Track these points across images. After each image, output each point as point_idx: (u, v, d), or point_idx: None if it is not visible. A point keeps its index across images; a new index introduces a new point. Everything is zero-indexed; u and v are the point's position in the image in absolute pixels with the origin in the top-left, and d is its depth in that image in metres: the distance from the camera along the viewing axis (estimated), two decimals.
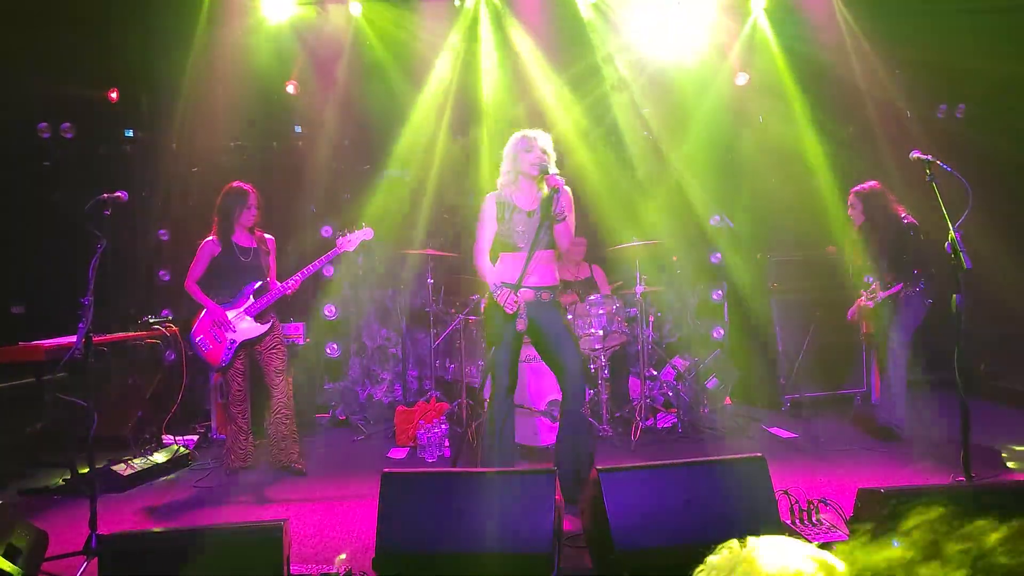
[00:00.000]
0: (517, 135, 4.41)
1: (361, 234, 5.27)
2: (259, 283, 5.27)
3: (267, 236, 5.46)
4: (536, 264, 4.23)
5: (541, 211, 4.28)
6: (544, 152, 4.29)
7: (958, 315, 4.11)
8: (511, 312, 4.15)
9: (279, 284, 5.24)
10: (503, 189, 4.41)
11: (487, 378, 4.35)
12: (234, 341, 5.19)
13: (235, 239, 5.27)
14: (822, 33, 7.27)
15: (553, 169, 4.20)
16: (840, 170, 7.86)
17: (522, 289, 4.19)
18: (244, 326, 5.21)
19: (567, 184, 4.26)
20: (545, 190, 4.26)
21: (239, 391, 5.34)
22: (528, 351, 5.19)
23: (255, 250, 5.33)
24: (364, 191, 7.70)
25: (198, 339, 5.21)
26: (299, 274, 5.22)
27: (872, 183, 5.73)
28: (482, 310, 4.55)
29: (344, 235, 5.25)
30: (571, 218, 4.32)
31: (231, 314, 5.19)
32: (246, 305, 5.21)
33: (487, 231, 4.40)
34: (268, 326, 5.26)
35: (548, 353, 4.43)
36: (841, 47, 7.27)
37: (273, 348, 5.31)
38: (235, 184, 5.31)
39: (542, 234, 4.23)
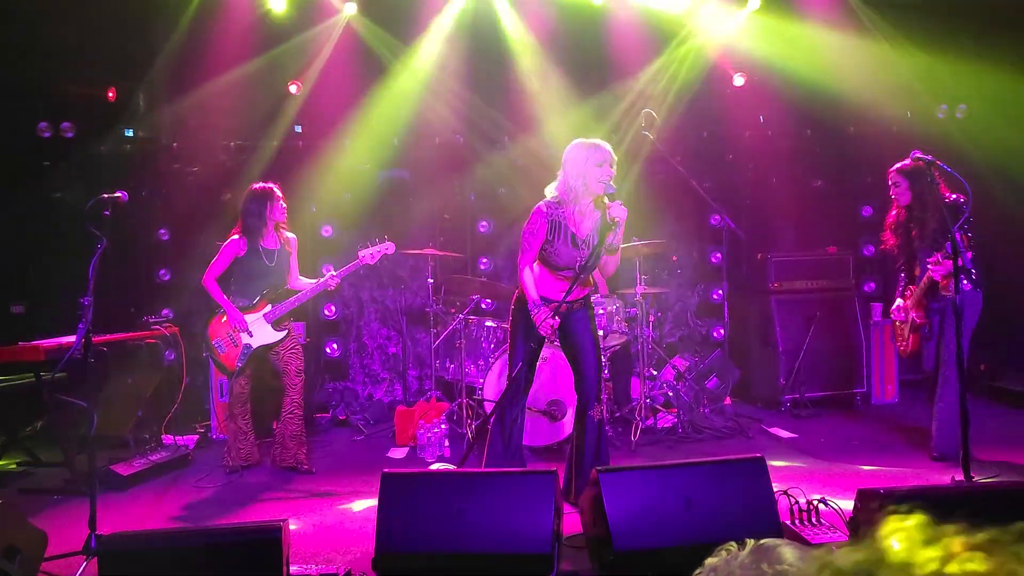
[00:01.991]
0: (587, 144, 4.05)
1: (383, 247, 5.25)
2: (279, 288, 5.26)
3: (290, 235, 5.41)
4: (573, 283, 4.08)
5: (597, 239, 4.04)
6: (603, 168, 3.99)
7: (958, 315, 4.12)
8: (544, 335, 4.06)
9: (295, 294, 5.23)
10: (560, 205, 4.11)
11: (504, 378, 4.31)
12: (249, 346, 5.17)
13: (263, 242, 5.22)
14: (821, 32, 7.27)
15: (621, 208, 3.95)
16: (840, 170, 7.88)
17: (554, 302, 4.09)
18: (261, 332, 5.18)
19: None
20: (607, 217, 3.97)
21: (241, 392, 5.34)
22: None
23: (279, 251, 5.28)
24: (365, 191, 7.71)
25: (215, 341, 5.19)
26: (317, 284, 5.24)
27: (915, 153, 4.89)
28: (511, 308, 4.35)
29: (366, 247, 5.23)
30: (620, 244, 4.17)
31: (250, 319, 5.16)
32: (264, 311, 5.19)
33: (536, 245, 4.14)
34: (284, 334, 5.25)
35: (570, 357, 4.40)
36: (841, 47, 7.27)
37: (292, 349, 5.31)
38: (257, 185, 5.27)
39: (591, 261, 4.06)
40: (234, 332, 5.16)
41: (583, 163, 4.00)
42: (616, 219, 3.92)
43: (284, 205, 5.29)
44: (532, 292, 4.13)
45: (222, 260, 5.18)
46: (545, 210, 4.12)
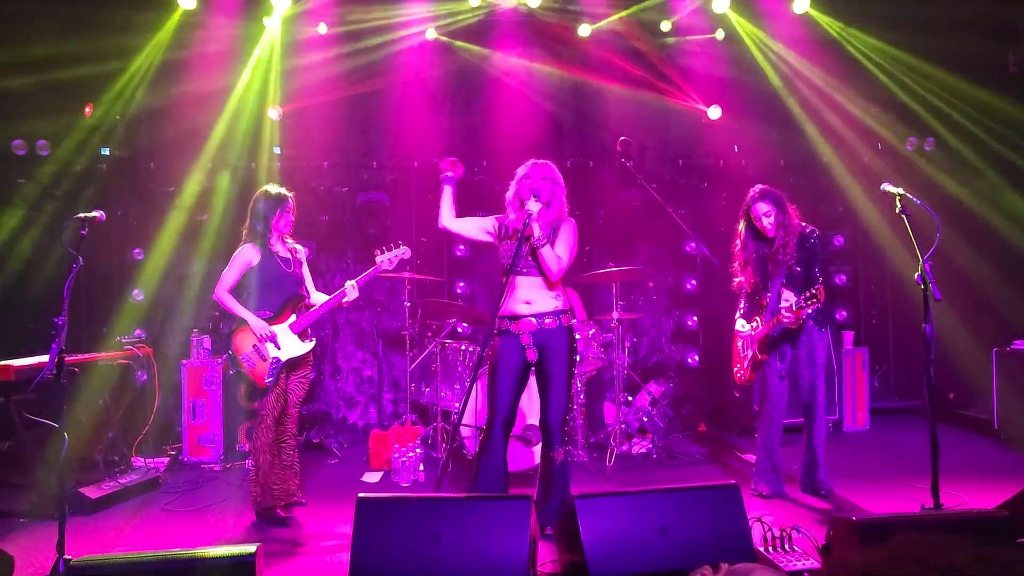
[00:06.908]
0: (527, 163, 4.39)
1: (400, 252, 4.90)
2: (301, 297, 4.86)
3: (300, 247, 5.03)
4: (530, 290, 4.25)
5: (520, 238, 4.18)
6: (529, 180, 4.27)
7: (928, 345, 4.18)
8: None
9: (324, 299, 4.86)
10: (507, 216, 4.42)
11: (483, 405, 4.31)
12: (278, 359, 4.70)
13: (273, 247, 4.82)
14: (793, 65, 7.44)
15: (536, 204, 4.16)
16: (812, 200, 8.00)
17: (524, 318, 4.21)
18: (288, 343, 4.74)
19: (571, 216, 4.38)
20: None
21: (272, 411, 4.75)
22: None
23: (292, 260, 4.91)
24: (343, 213, 7.71)
25: (243, 355, 4.68)
26: (338, 294, 4.83)
27: (763, 186, 4.91)
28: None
29: (383, 252, 4.90)
30: (564, 246, 4.25)
31: (276, 329, 4.72)
32: (289, 321, 4.77)
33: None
34: (311, 343, 4.87)
35: (540, 388, 4.36)
36: (812, 81, 7.44)
37: (301, 378, 4.88)
38: (272, 188, 4.88)
39: (520, 262, 4.20)
40: (260, 344, 4.69)
41: (516, 176, 4.40)
42: (526, 216, 4.13)
43: (292, 218, 4.89)
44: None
45: (234, 270, 4.72)
46: (498, 216, 4.49)
